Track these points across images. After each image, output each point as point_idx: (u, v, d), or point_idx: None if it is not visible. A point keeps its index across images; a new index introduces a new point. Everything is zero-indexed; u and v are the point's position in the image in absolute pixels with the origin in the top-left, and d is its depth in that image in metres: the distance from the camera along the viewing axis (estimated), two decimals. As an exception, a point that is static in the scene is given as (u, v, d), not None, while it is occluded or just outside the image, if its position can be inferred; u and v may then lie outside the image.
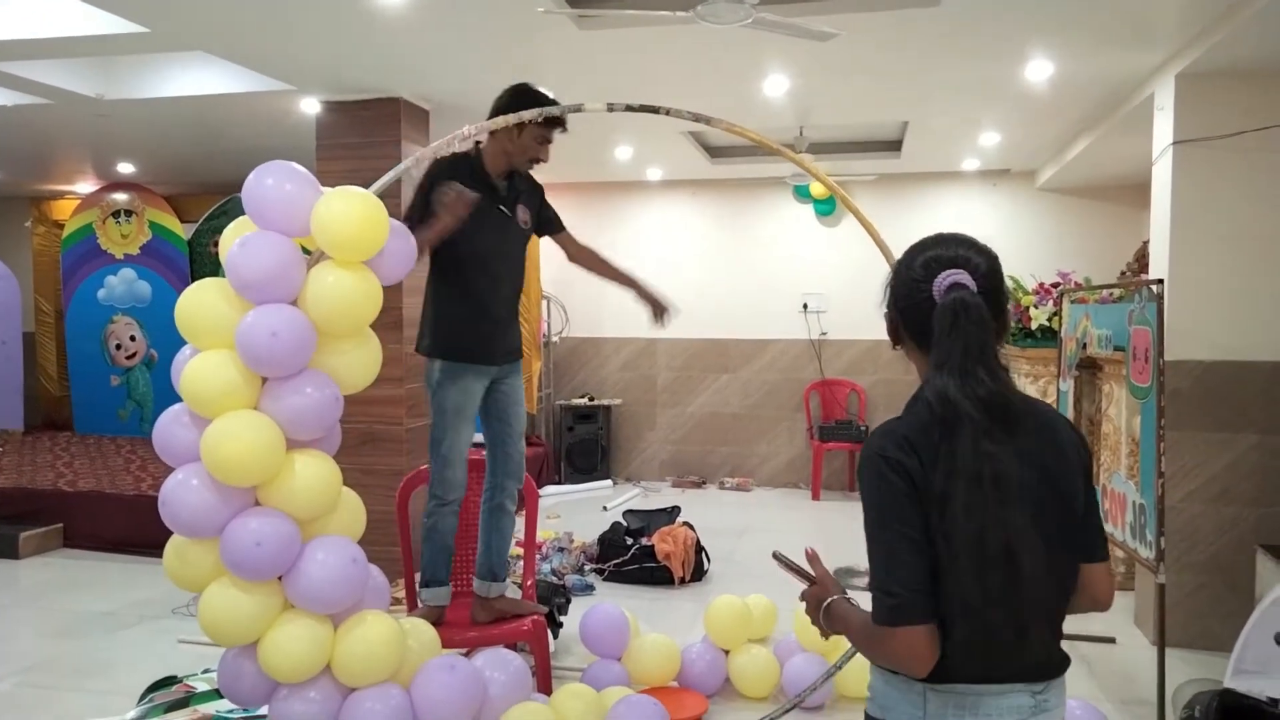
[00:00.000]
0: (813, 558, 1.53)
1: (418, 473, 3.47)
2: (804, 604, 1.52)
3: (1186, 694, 2.95)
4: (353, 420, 4.74)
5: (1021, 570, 1.26)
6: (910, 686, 1.36)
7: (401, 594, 3.43)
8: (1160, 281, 3.20)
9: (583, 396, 7.85)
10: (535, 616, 3.21)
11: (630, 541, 5.02)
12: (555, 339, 7.94)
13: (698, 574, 4.97)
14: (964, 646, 1.29)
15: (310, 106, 4.97)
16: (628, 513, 5.47)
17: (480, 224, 2.90)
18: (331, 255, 2.37)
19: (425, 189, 2.87)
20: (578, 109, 2.92)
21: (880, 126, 6.07)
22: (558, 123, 3.00)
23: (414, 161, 2.63)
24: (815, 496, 7.13)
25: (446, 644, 2.81)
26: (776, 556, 1.60)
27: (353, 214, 2.35)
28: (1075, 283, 5.11)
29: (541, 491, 7.02)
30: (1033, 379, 5.37)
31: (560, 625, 3.87)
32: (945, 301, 1.34)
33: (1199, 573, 3.95)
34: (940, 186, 7.29)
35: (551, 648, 3.77)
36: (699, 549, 5.02)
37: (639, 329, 7.82)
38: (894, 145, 6.36)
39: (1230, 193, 3.93)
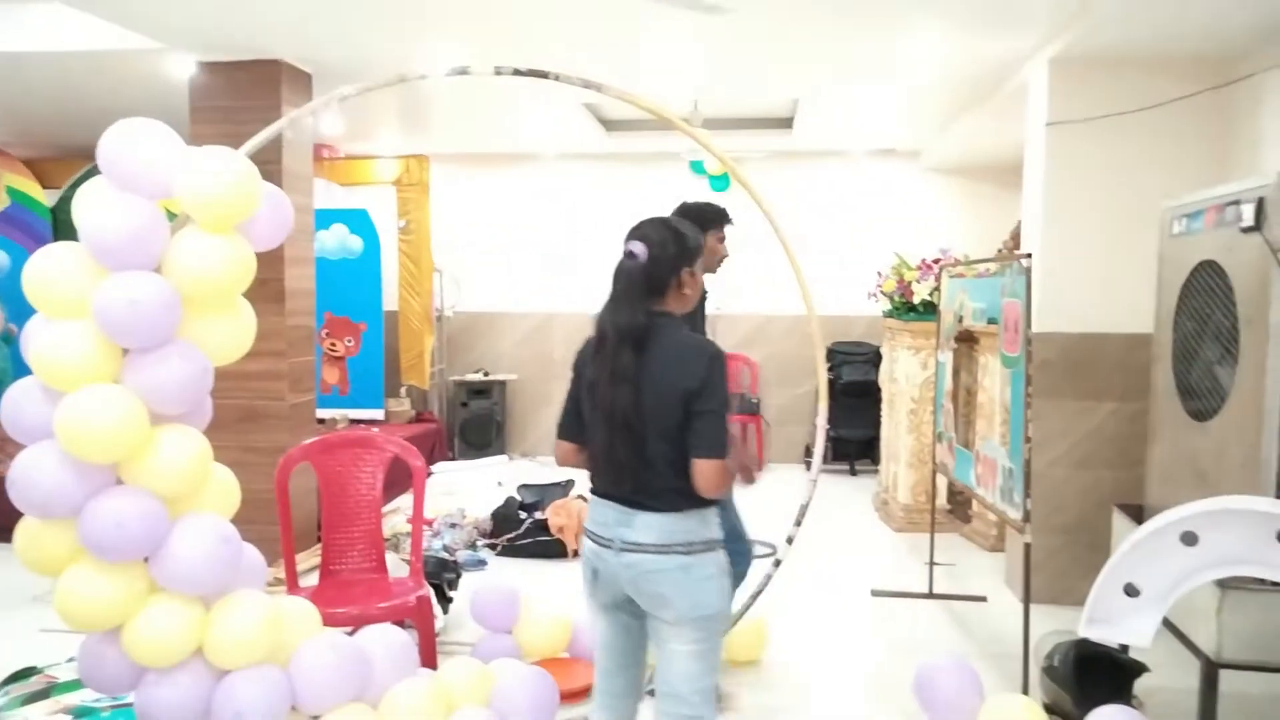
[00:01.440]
0: None
1: (298, 450, 3.35)
2: None
3: (1047, 645, 3.13)
4: (233, 396, 4.56)
5: (614, 432, 1.97)
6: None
7: (282, 574, 3.33)
8: (1029, 256, 3.35)
9: (477, 371, 7.75)
10: (420, 594, 3.17)
11: (524, 515, 5.00)
12: (449, 313, 7.79)
13: (592, 547, 4.99)
14: (591, 470, 2.11)
15: (182, 66, 4.70)
16: (522, 487, 5.44)
17: None
18: (197, 220, 2.26)
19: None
20: (463, 72, 2.86)
21: (773, 104, 6.15)
22: (729, 219, 3.18)
23: (288, 122, 2.52)
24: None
25: (328, 623, 2.74)
26: None
27: (221, 176, 2.24)
28: (955, 259, 5.31)
29: (434, 468, 6.92)
30: (914, 351, 5.56)
31: (450, 601, 3.82)
32: (618, 263, 2.04)
33: (1063, 533, 4.19)
34: (830, 165, 7.43)
35: (442, 623, 3.73)
36: (593, 522, 5.04)
37: (535, 303, 7.77)
38: (786, 122, 6.45)
39: (1097, 174, 4.14)
